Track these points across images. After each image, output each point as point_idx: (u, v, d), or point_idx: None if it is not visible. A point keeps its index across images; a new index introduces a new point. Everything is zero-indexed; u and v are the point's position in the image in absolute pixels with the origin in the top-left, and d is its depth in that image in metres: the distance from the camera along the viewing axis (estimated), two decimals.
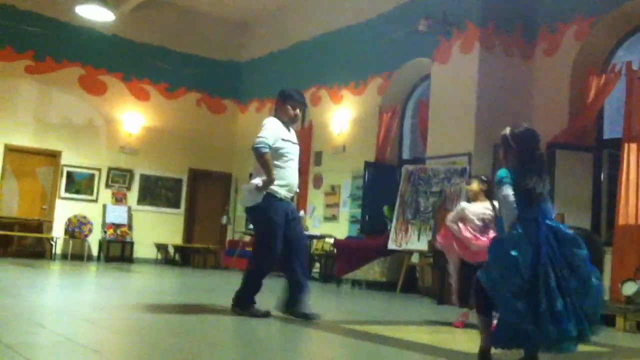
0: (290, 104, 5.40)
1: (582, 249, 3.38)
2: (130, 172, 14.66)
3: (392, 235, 9.80)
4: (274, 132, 5.25)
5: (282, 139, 5.30)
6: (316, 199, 13.07)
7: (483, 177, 5.62)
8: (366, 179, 11.43)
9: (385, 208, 10.52)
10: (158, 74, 14.87)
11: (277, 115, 5.42)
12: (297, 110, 5.43)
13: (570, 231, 3.45)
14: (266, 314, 5.16)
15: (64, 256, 13.69)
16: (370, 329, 4.94)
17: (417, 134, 11.51)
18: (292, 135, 5.46)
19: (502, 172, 3.48)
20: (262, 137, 5.17)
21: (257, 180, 5.19)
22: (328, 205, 12.79)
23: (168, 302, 6.00)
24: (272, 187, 5.19)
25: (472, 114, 9.37)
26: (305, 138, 13.52)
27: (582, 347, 4.68)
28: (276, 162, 5.25)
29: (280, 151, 5.29)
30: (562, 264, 3.29)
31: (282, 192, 5.28)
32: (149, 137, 14.79)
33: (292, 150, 5.38)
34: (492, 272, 3.34)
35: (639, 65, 8.43)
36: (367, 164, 11.48)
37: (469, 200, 5.70)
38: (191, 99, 15.20)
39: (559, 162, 8.96)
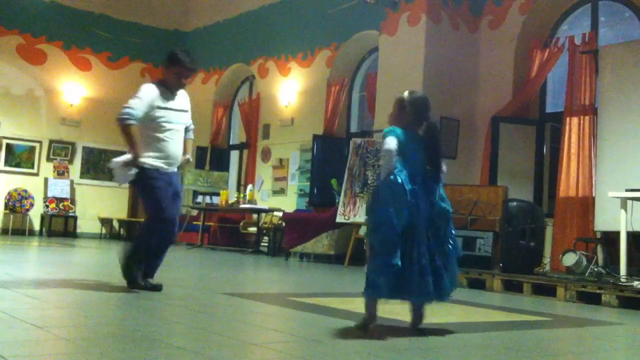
0: (175, 70, 4.86)
1: (449, 222, 3.64)
2: (73, 145, 14.31)
3: (340, 208, 9.84)
4: (148, 99, 4.74)
5: (159, 107, 4.77)
6: (264, 172, 13.03)
7: None
8: (314, 152, 11.43)
9: (333, 181, 10.55)
10: (100, 43, 14.47)
11: (162, 79, 4.93)
12: (183, 80, 4.90)
13: (444, 205, 3.62)
14: (157, 287, 4.82)
15: (4, 231, 13.34)
16: (317, 301, 4.97)
17: (365, 107, 11.54)
18: (177, 101, 4.93)
19: (391, 128, 3.64)
20: (129, 106, 4.67)
21: (124, 157, 4.75)
22: (276, 179, 12.76)
23: (113, 277, 5.89)
24: (149, 161, 4.77)
25: (419, 87, 9.39)
26: (253, 110, 13.42)
27: (524, 317, 4.82)
28: (153, 133, 4.81)
29: (158, 120, 4.80)
30: (431, 228, 3.54)
31: (159, 164, 4.83)
32: (91, 109, 14.43)
33: (174, 119, 4.86)
34: (370, 222, 3.61)
35: (581, 40, 8.60)
36: (316, 137, 11.47)
37: None
38: (135, 69, 14.87)
39: (503, 135, 9.14)
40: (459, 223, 7.11)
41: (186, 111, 5.01)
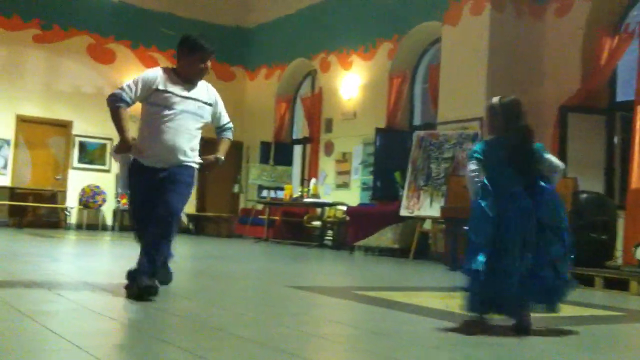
0: (198, 57, 4.31)
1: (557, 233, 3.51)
2: None
3: (404, 201, 9.79)
4: (145, 81, 4.20)
5: (159, 89, 4.19)
6: (327, 166, 13.07)
7: None
8: (377, 146, 11.40)
9: (396, 174, 10.51)
10: (166, 41, 14.74)
11: (177, 68, 4.36)
12: (208, 63, 4.36)
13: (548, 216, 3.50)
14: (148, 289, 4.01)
15: (78, 226, 13.82)
16: (382, 294, 4.96)
17: (428, 99, 11.43)
18: (193, 91, 4.31)
19: (476, 146, 3.64)
20: (121, 87, 4.21)
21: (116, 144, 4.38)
22: (339, 173, 12.79)
23: (180, 269, 6.05)
24: (135, 152, 4.26)
25: (484, 78, 9.28)
26: (316, 105, 13.48)
27: (595, 311, 4.70)
28: (149, 120, 4.25)
29: (155, 104, 4.20)
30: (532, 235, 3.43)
31: (144, 157, 4.26)
32: None
33: (178, 106, 4.21)
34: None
35: None
36: (378, 130, 11.44)
37: None
38: None
39: (571, 125, 8.90)
40: None
41: (204, 103, 4.37)
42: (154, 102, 4.19)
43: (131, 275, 4.11)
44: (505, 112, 3.60)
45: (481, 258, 3.41)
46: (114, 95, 4.16)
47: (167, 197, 4.16)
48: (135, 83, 4.19)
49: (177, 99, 4.21)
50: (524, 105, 3.65)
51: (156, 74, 4.26)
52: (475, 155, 3.58)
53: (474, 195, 3.55)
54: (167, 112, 4.18)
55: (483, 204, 3.47)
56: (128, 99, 4.16)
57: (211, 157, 4.45)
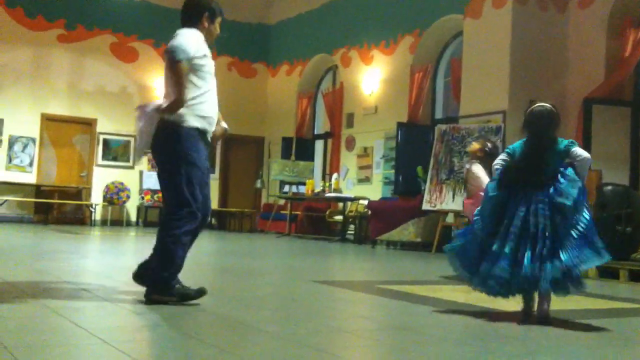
0: (218, 22, 3.95)
1: (567, 216, 3.58)
2: None
3: (426, 195, 9.78)
4: (195, 41, 3.70)
5: (205, 55, 3.73)
6: (349, 161, 13.08)
7: (488, 144, 5.86)
8: (399, 140, 11.38)
9: (418, 169, 10.49)
10: None
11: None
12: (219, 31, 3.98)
13: (560, 200, 3.59)
14: (200, 292, 3.77)
15: (103, 222, 13.98)
16: (406, 288, 4.98)
17: (450, 93, 11.39)
18: None
19: (514, 143, 3.87)
20: (181, 42, 3.64)
21: (160, 101, 3.73)
22: (361, 167, 12.79)
23: (207, 265, 6.11)
24: (189, 116, 3.64)
25: (506, 71, 9.23)
26: (337, 100, 13.49)
27: (620, 304, 4.66)
28: (196, 85, 3.69)
29: (203, 68, 3.71)
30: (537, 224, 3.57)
31: (202, 125, 3.71)
32: None
33: (213, 74, 3.83)
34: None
35: None
36: (400, 125, 11.42)
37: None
38: (222, 64, 15.16)
39: (596, 118, 8.83)
40: None
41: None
42: (201, 66, 3.70)
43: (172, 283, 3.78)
44: (525, 122, 3.81)
45: (458, 242, 3.91)
46: (176, 48, 3.60)
47: (208, 191, 4.00)
48: (192, 42, 3.67)
49: (212, 64, 3.82)
50: (552, 115, 3.74)
51: (201, 37, 3.79)
52: (507, 149, 3.89)
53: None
54: (211, 79, 3.78)
55: (490, 185, 3.82)
56: (187, 55, 3.61)
57: (218, 127, 3.93)
